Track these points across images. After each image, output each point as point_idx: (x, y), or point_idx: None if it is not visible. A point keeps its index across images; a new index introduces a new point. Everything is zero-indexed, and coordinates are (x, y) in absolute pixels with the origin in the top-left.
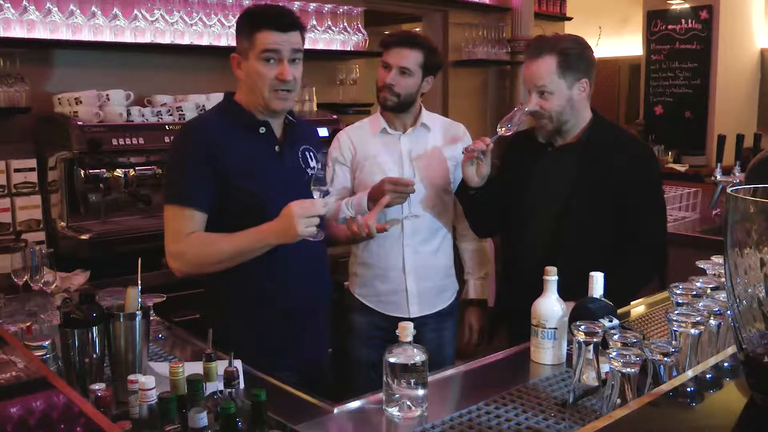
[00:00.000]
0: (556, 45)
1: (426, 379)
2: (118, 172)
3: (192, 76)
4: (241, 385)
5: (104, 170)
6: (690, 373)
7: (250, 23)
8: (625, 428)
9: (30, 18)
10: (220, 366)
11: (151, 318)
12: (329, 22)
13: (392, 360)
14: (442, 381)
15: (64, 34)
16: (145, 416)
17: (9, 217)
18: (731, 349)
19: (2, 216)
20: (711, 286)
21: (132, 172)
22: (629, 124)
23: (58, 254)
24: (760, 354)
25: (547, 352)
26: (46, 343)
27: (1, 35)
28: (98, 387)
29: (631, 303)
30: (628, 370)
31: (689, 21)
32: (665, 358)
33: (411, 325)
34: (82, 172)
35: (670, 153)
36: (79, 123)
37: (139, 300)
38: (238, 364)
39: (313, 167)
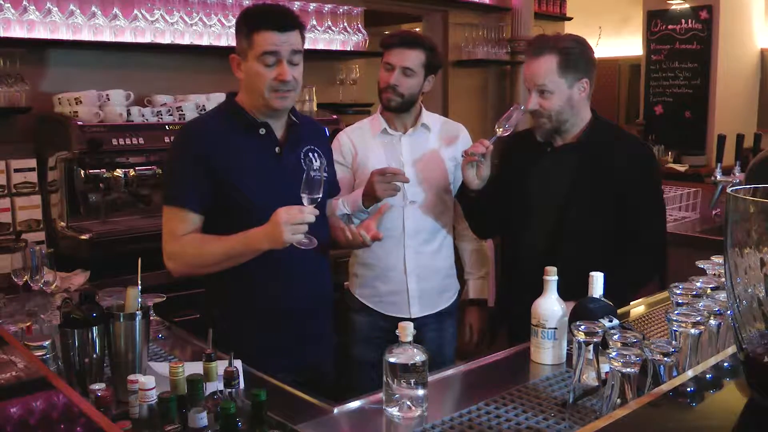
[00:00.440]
0: (557, 44)
1: (426, 379)
2: (118, 172)
3: (192, 76)
4: (241, 385)
5: (104, 170)
6: (690, 373)
7: (248, 24)
8: (625, 428)
9: (30, 18)
10: (220, 366)
11: (151, 318)
12: (329, 22)
13: (392, 360)
14: (442, 381)
15: (64, 34)
16: (145, 416)
17: (9, 217)
18: (731, 349)
19: (2, 216)
20: (711, 286)
21: (132, 172)
22: (629, 124)
23: (58, 254)
24: (760, 354)
25: (547, 352)
26: (46, 343)
27: (1, 35)
28: (98, 387)
29: (631, 303)
30: (628, 370)
31: (689, 21)
32: (665, 358)
33: (411, 325)
34: (82, 172)
35: (670, 153)
36: (79, 123)
37: (139, 300)
38: (238, 364)
39: (317, 168)
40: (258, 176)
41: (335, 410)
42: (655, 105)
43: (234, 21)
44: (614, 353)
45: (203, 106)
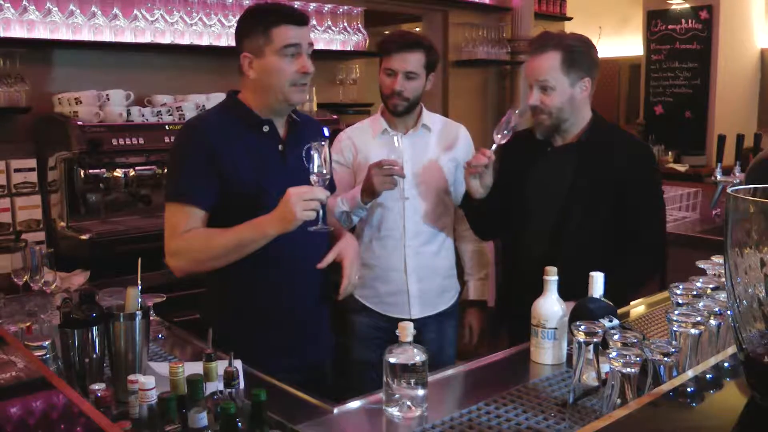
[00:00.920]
0: (561, 41)
1: (426, 379)
2: (118, 172)
3: (192, 76)
4: (241, 385)
5: (104, 170)
6: (690, 373)
7: (264, 20)
8: (625, 428)
9: (30, 18)
10: (220, 366)
11: (151, 318)
12: (329, 22)
13: (392, 360)
14: (442, 381)
15: (64, 34)
16: (145, 416)
17: (9, 217)
18: (731, 349)
19: (2, 216)
20: (711, 286)
21: (132, 172)
22: (629, 124)
23: (58, 254)
24: (760, 354)
25: (547, 352)
26: (46, 343)
27: (1, 35)
28: (98, 387)
29: (631, 303)
30: (628, 370)
31: (689, 21)
32: (665, 358)
33: (411, 325)
34: (82, 172)
35: (670, 153)
36: (79, 123)
37: (139, 300)
38: (238, 364)
39: (319, 165)
40: (262, 173)
41: (335, 410)
42: (655, 105)
43: (234, 21)
44: (614, 353)
45: (203, 106)
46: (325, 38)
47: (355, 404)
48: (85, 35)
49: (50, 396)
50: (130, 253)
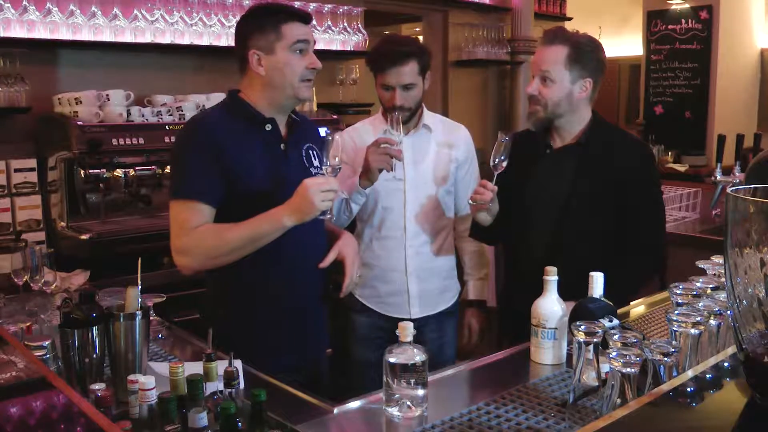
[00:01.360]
0: (571, 37)
1: (426, 379)
2: (118, 172)
3: (192, 76)
4: (241, 385)
5: (104, 170)
6: (690, 373)
7: (274, 17)
8: (625, 428)
9: (30, 18)
10: (220, 366)
11: (151, 318)
12: (329, 22)
13: (392, 360)
14: (442, 381)
15: (64, 34)
16: (145, 416)
17: (9, 217)
18: (731, 349)
19: (2, 216)
20: (711, 286)
21: (132, 172)
22: (629, 124)
23: (58, 254)
24: (760, 354)
25: (547, 352)
26: (46, 343)
27: (1, 35)
28: (98, 387)
29: (631, 303)
30: (628, 370)
31: (689, 21)
32: (665, 358)
33: (411, 325)
34: (82, 172)
35: (670, 153)
36: (79, 123)
37: (139, 300)
38: (238, 364)
39: (317, 166)
40: (265, 171)
41: (335, 410)
42: (655, 105)
43: (234, 21)
44: (614, 353)
45: (203, 106)
46: (325, 38)
47: (355, 404)
48: (85, 35)
49: (50, 396)
50: (130, 253)
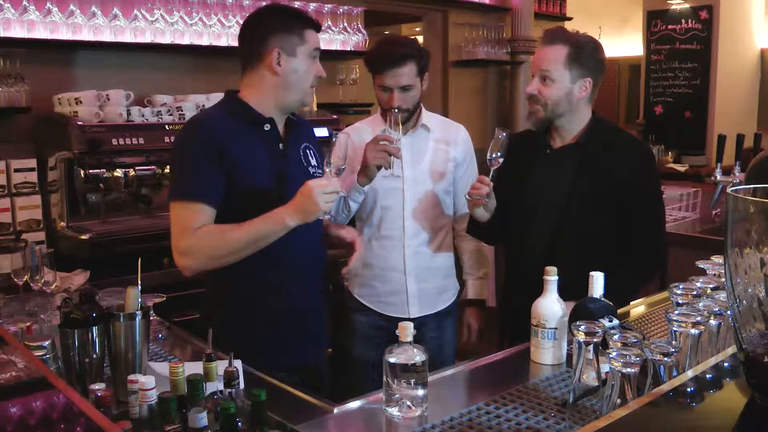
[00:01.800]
0: (571, 37)
1: (426, 379)
2: (118, 172)
3: (192, 76)
4: (241, 385)
5: (104, 170)
6: (690, 373)
7: (300, 21)
8: (625, 428)
9: (30, 18)
10: (220, 366)
11: (151, 318)
12: (329, 22)
13: (392, 360)
14: (442, 381)
15: (64, 34)
16: (145, 416)
17: (9, 217)
18: (731, 349)
19: (2, 216)
20: (711, 286)
21: (132, 172)
22: (629, 124)
23: (58, 254)
24: (760, 354)
25: (547, 352)
26: (46, 343)
27: (1, 35)
28: (98, 387)
29: (631, 303)
30: (628, 370)
31: (689, 21)
32: (665, 358)
33: (411, 325)
34: (82, 172)
35: (670, 153)
36: (79, 123)
37: (139, 300)
38: (238, 364)
39: (314, 165)
40: (266, 170)
41: (335, 410)
42: (655, 105)
43: (234, 21)
44: (614, 353)
45: (203, 106)
46: (325, 38)
47: (355, 404)
48: (86, 35)
49: (50, 396)
50: (130, 253)
